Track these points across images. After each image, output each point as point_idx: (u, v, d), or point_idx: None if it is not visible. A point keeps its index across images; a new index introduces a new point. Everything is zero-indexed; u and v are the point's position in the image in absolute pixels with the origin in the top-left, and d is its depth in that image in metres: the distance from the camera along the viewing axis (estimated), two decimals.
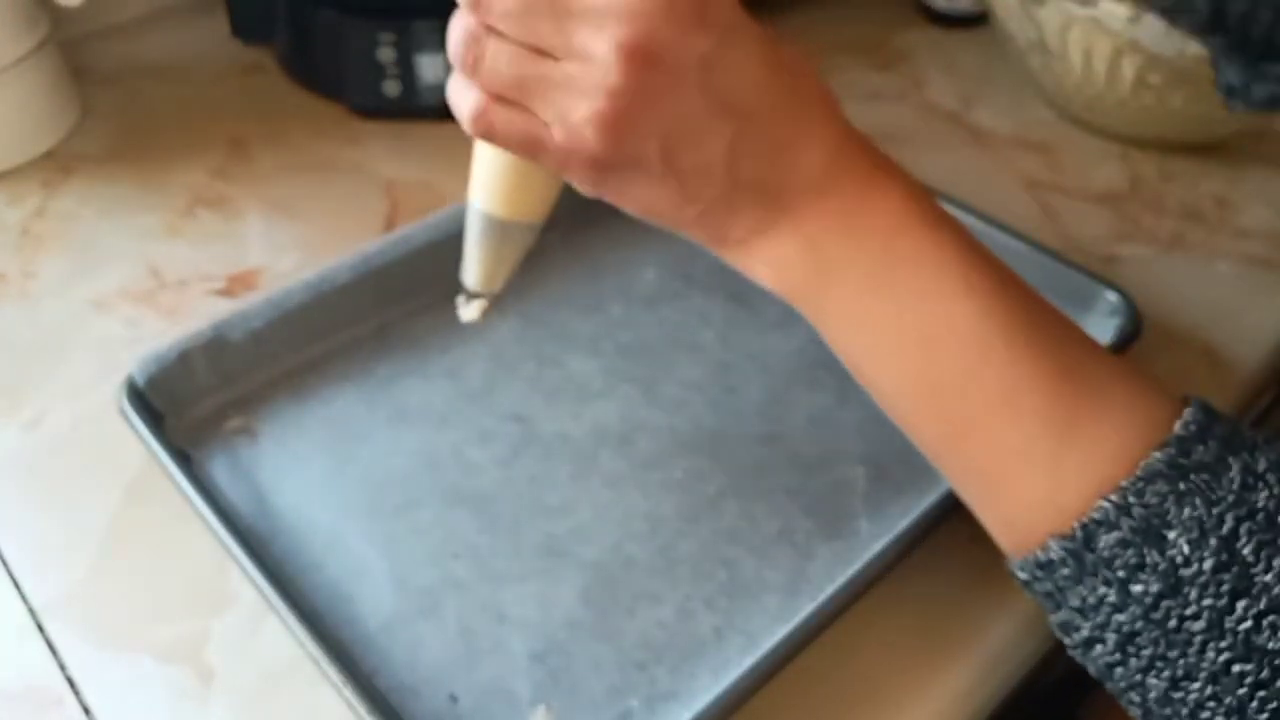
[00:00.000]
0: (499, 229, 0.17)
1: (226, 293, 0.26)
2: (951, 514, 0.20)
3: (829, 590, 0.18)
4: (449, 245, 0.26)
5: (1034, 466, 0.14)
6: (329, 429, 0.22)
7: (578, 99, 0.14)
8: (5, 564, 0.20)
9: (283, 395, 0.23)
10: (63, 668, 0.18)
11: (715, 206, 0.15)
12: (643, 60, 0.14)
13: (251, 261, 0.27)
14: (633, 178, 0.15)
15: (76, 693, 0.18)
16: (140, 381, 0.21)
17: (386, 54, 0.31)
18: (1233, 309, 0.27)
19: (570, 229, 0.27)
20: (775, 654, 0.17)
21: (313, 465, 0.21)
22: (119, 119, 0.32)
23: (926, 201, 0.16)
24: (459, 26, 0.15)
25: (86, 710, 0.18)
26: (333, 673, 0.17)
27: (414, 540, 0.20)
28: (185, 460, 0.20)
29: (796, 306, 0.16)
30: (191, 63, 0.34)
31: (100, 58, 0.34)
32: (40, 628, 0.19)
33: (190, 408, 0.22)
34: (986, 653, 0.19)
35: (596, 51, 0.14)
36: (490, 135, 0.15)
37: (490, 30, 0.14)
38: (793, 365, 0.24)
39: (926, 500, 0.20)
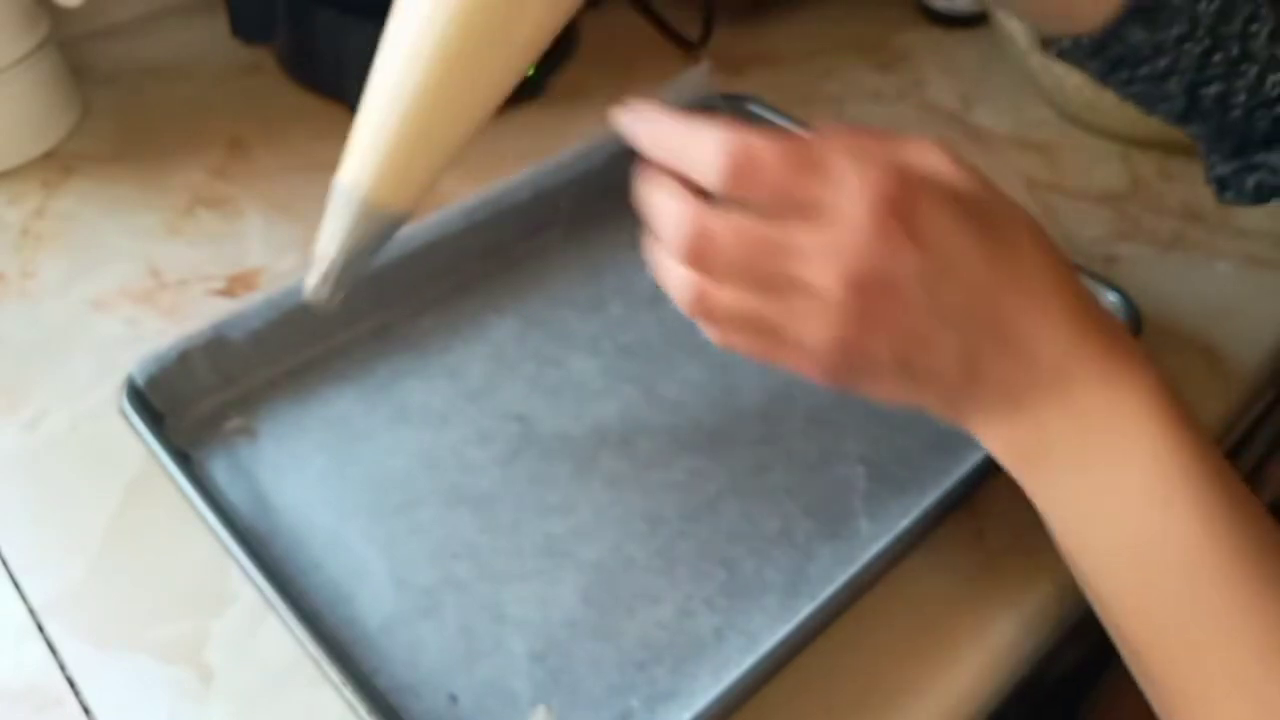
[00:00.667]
0: (360, 209, 0.17)
1: (226, 293, 0.26)
2: (951, 514, 0.20)
3: (829, 590, 0.18)
4: (449, 245, 0.26)
5: (1238, 690, 0.14)
6: (329, 429, 0.22)
7: (808, 327, 0.15)
8: (5, 564, 0.20)
9: (283, 395, 0.23)
10: (62, 667, 0.18)
11: (953, 397, 0.16)
12: (864, 289, 0.14)
13: (251, 261, 0.27)
14: (870, 380, 0.16)
15: (76, 692, 0.18)
16: (140, 381, 0.21)
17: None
18: (1233, 309, 0.27)
19: (570, 229, 0.27)
20: (775, 654, 0.17)
21: (313, 465, 0.21)
22: (119, 119, 0.32)
23: (1166, 402, 0.15)
24: (680, 280, 0.16)
25: (86, 710, 0.18)
26: (332, 672, 0.17)
27: (414, 540, 0.20)
28: (185, 460, 0.20)
29: (1022, 484, 0.16)
30: (192, 62, 0.34)
31: (100, 57, 0.34)
32: (40, 627, 0.19)
33: (190, 408, 0.22)
34: (987, 652, 0.19)
35: (821, 284, 0.15)
36: (728, 348, 0.17)
37: (711, 282, 0.16)
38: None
39: (926, 500, 0.20)
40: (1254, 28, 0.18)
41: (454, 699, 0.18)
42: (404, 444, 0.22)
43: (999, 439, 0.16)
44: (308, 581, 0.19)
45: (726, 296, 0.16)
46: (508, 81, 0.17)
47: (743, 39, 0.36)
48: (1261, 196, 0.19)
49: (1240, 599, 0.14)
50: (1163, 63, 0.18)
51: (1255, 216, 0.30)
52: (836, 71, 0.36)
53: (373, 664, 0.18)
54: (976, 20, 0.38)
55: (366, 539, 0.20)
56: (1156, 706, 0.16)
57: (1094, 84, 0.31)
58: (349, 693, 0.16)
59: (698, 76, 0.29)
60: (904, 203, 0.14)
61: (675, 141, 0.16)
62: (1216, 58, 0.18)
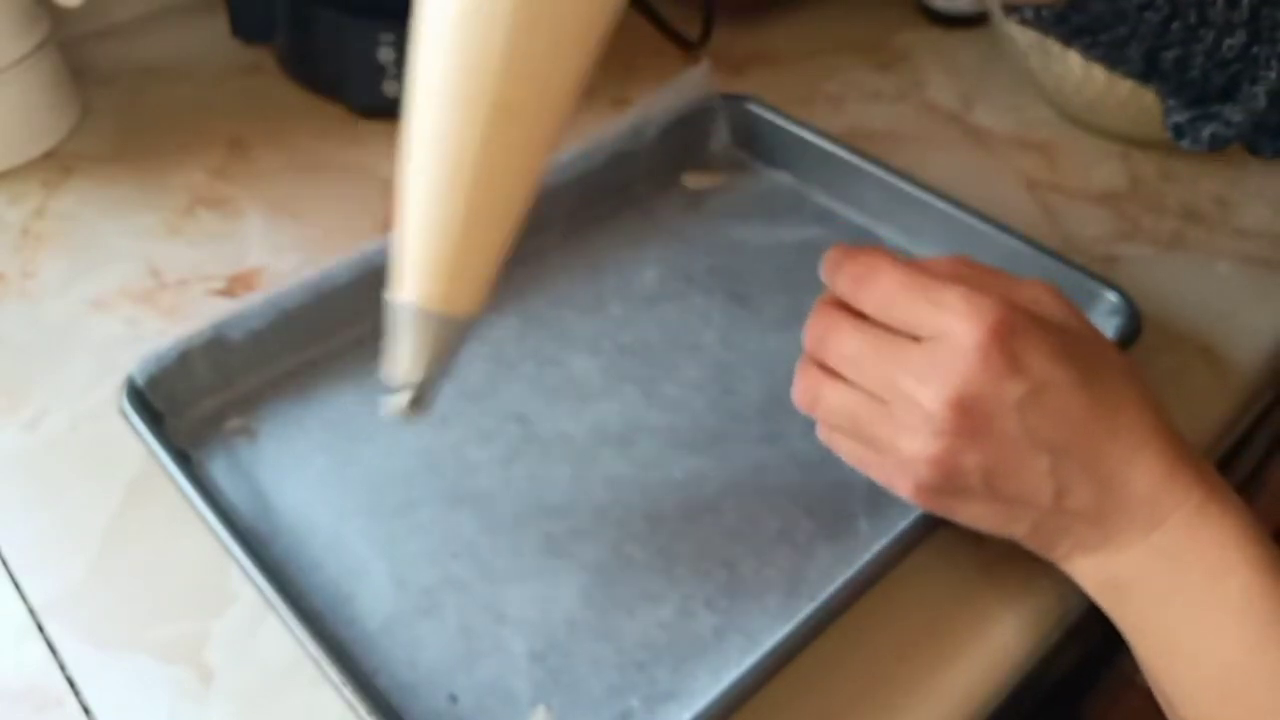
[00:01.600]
0: (437, 324, 0.16)
1: (227, 293, 0.26)
2: None
3: (829, 590, 0.18)
4: None
5: None
6: (329, 429, 0.22)
7: (907, 438, 0.16)
8: (5, 564, 0.20)
9: (283, 395, 0.23)
10: (62, 667, 0.18)
11: (1042, 527, 0.16)
12: (964, 409, 0.15)
13: (252, 261, 0.27)
14: (961, 500, 0.17)
15: (76, 692, 0.18)
16: (140, 381, 0.21)
17: (387, 54, 0.31)
18: (1233, 309, 0.27)
19: (570, 229, 0.27)
20: (775, 654, 0.17)
21: (313, 465, 0.21)
22: (119, 119, 0.32)
23: (1257, 540, 0.16)
24: (801, 368, 0.18)
25: (86, 710, 0.18)
26: (332, 672, 0.17)
27: (414, 540, 0.20)
28: (185, 460, 0.20)
29: (1106, 611, 0.17)
30: (192, 63, 0.34)
31: (100, 58, 0.34)
32: (40, 627, 0.19)
33: (190, 407, 0.22)
34: (987, 653, 0.19)
35: (923, 400, 0.16)
36: (833, 448, 0.18)
37: (825, 373, 0.17)
38: (793, 365, 0.24)
39: None
40: None
41: (454, 699, 0.18)
42: (404, 444, 0.22)
43: (1088, 571, 0.17)
44: (308, 581, 0.19)
45: (837, 391, 0.17)
46: (547, 147, 0.15)
47: (743, 39, 0.36)
48: (1216, 144, 0.20)
49: None
50: (1123, 30, 0.18)
51: (1255, 217, 0.30)
52: (836, 71, 0.36)
53: (373, 664, 0.18)
54: (977, 20, 0.38)
55: (366, 539, 0.20)
56: None
57: (1094, 85, 0.31)
58: (349, 693, 0.16)
59: (698, 76, 0.29)
60: (1009, 335, 0.15)
61: (832, 257, 0.18)
62: (1175, 25, 0.18)
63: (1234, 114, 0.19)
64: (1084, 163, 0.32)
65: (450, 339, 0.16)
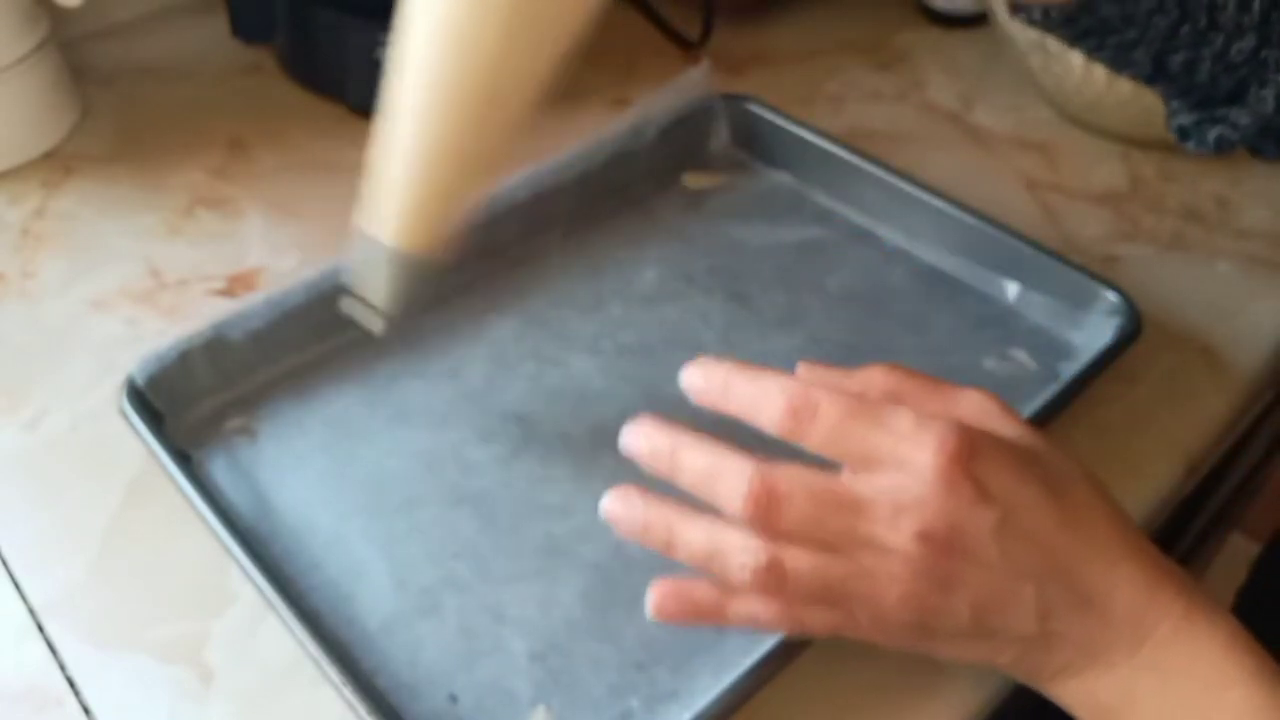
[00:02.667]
0: (404, 260, 0.17)
1: (227, 293, 0.26)
2: None
3: None
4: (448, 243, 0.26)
5: None
6: (329, 429, 0.22)
7: (884, 588, 0.15)
8: (5, 564, 0.20)
9: (283, 395, 0.23)
10: (62, 667, 0.18)
11: (1027, 655, 0.16)
12: (938, 545, 0.14)
13: (251, 261, 0.27)
14: (944, 640, 0.16)
15: (76, 692, 0.18)
16: (140, 381, 0.21)
17: (387, 54, 0.31)
18: (1233, 309, 0.27)
19: (570, 229, 0.27)
20: (775, 655, 0.17)
21: (313, 465, 0.21)
22: (119, 119, 0.32)
23: (1250, 647, 0.15)
24: (745, 546, 0.15)
25: (86, 710, 0.18)
26: (332, 672, 0.17)
27: (414, 540, 0.20)
28: (185, 460, 0.20)
29: None
30: (191, 63, 0.34)
31: (100, 58, 0.34)
32: (40, 627, 0.19)
33: (190, 407, 0.22)
34: None
35: (895, 544, 0.14)
36: (797, 631, 0.16)
37: (781, 545, 0.15)
38: (793, 365, 0.24)
39: None
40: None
41: (454, 699, 0.18)
42: (404, 444, 0.22)
43: (1078, 695, 0.16)
44: (308, 581, 0.19)
45: (796, 559, 0.15)
46: (527, 110, 0.16)
47: (743, 39, 0.36)
48: (1222, 147, 0.19)
49: None
50: (1132, 33, 0.18)
51: (1256, 217, 0.30)
52: (837, 71, 0.36)
53: (373, 664, 0.18)
54: (977, 20, 0.38)
55: (366, 539, 0.20)
56: None
57: (1094, 85, 0.31)
58: (349, 693, 0.16)
59: (698, 76, 0.29)
60: (970, 459, 0.14)
61: (739, 388, 0.16)
62: (1184, 29, 0.17)
63: (1241, 117, 0.19)
64: (1084, 163, 0.32)
65: (414, 273, 0.18)
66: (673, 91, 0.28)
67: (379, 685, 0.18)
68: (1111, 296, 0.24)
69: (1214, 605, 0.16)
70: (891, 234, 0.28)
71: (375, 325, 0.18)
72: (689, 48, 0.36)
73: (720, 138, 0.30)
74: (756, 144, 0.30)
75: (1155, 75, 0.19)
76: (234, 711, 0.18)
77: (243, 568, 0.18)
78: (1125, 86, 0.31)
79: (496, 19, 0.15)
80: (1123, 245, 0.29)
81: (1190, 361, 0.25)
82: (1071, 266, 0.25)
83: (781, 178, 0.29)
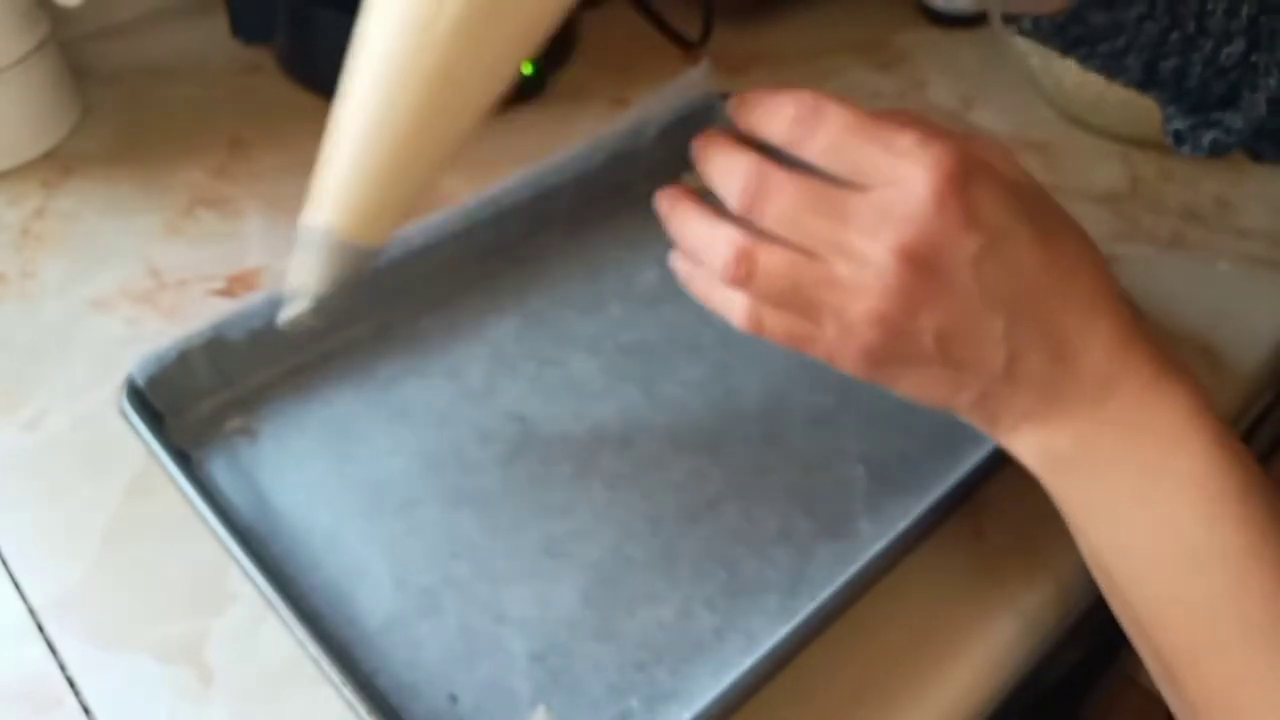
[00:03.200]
0: (340, 247, 0.17)
1: (227, 293, 0.26)
2: (952, 513, 0.20)
3: (829, 590, 0.18)
4: (449, 245, 0.26)
5: (1276, 707, 0.14)
6: (329, 429, 0.22)
7: (852, 298, 0.14)
8: (5, 563, 0.20)
9: (283, 395, 0.23)
10: (62, 667, 0.18)
11: (989, 395, 0.15)
12: (917, 262, 0.14)
13: (252, 261, 0.27)
14: (907, 368, 0.15)
15: (76, 692, 0.18)
16: (140, 381, 0.21)
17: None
18: (1233, 309, 0.27)
19: (570, 229, 0.27)
20: (775, 654, 0.17)
21: (313, 465, 0.21)
22: (119, 119, 0.32)
23: (1208, 413, 0.15)
24: (720, 237, 0.15)
25: (86, 710, 0.18)
26: (332, 672, 0.17)
27: (414, 540, 0.20)
28: (185, 460, 0.20)
29: (1050, 491, 0.16)
30: (191, 63, 0.34)
31: (100, 58, 0.34)
32: (40, 627, 0.19)
33: (190, 407, 0.22)
34: (987, 652, 0.19)
35: (871, 255, 0.14)
36: (759, 332, 0.15)
37: (758, 238, 0.15)
38: (793, 366, 0.24)
39: (926, 500, 0.20)
40: (1210, 5, 0.18)
41: (454, 699, 0.18)
42: (404, 444, 0.22)
43: (1033, 445, 0.15)
44: (308, 581, 0.19)
45: (771, 254, 0.14)
46: (478, 112, 0.16)
47: (743, 39, 0.36)
48: (1217, 151, 0.19)
49: None
50: (1122, 41, 0.18)
51: (1255, 217, 0.30)
52: (837, 72, 0.36)
53: (373, 664, 0.18)
54: (977, 21, 0.38)
55: (366, 539, 0.20)
56: (1182, 712, 0.16)
57: (1094, 85, 0.31)
58: (349, 692, 0.16)
59: (698, 76, 0.29)
60: (965, 183, 0.14)
61: (749, 103, 0.15)
62: (1174, 35, 0.17)
63: (1235, 121, 0.19)
64: (1084, 163, 0.32)
65: (349, 265, 0.17)
66: (673, 91, 0.28)
67: (379, 685, 0.18)
68: None
69: (1184, 374, 0.15)
70: None
71: (295, 318, 0.18)
72: (689, 48, 0.36)
73: None
74: (757, 144, 0.30)
75: (1147, 81, 0.19)
76: (234, 711, 0.18)
77: (243, 568, 0.18)
78: (1123, 87, 0.31)
79: (453, 5, 0.14)
80: (1122, 245, 0.29)
81: (1190, 361, 0.25)
82: None
83: None
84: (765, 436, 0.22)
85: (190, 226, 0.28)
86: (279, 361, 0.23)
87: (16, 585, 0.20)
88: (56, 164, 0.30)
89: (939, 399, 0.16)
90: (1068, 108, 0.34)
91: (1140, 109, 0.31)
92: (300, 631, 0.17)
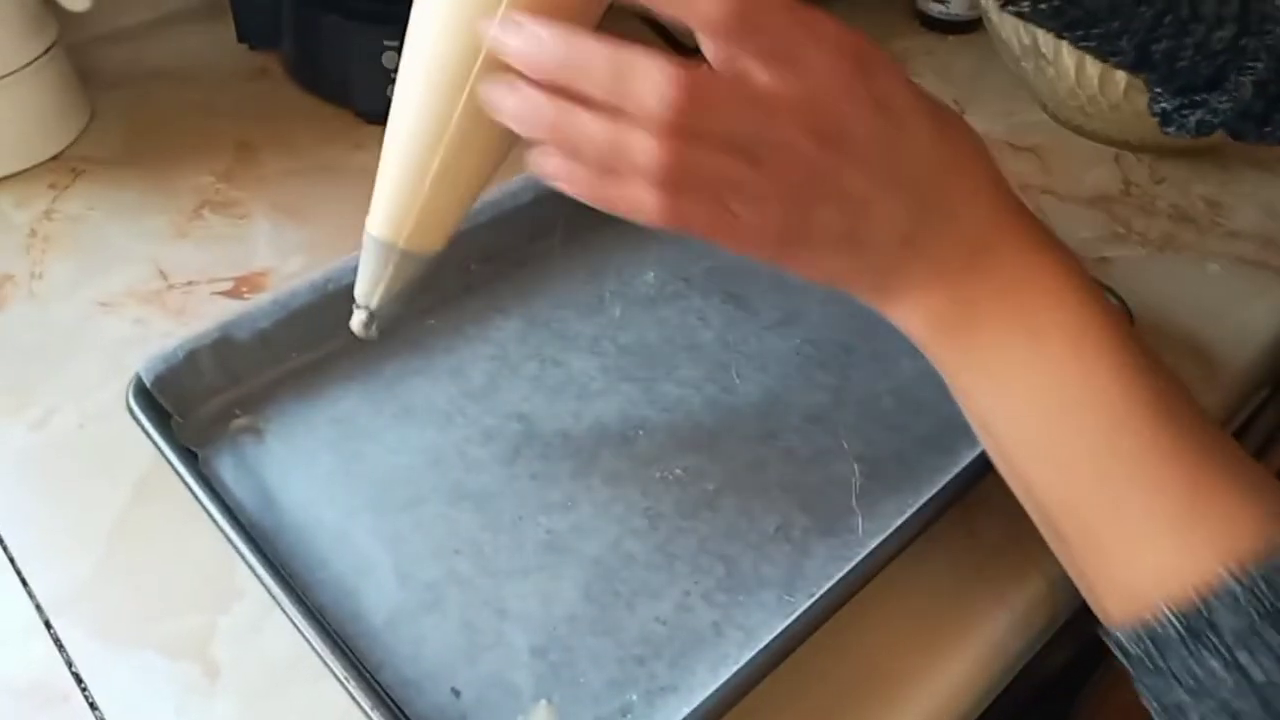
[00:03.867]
0: (404, 259, 0.18)
1: (233, 294, 0.26)
2: (946, 511, 0.21)
3: (825, 586, 0.19)
4: (451, 246, 0.26)
5: (1160, 535, 0.14)
6: (334, 428, 0.22)
7: (767, 185, 0.15)
8: (13, 561, 0.20)
9: (289, 394, 0.23)
10: (69, 664, 0.19)
11: (882, 268, 0.16)
12: (826, 144, 0.15)
13: (258, 263, 0.27)
14: (812, 249, 0.16)
15: (83, 688, 0.18)
16: (148, 381, 0.21)
17: (391, 59, 0.31)
18: (1224, 310, 0.27)
19: (571, 232, 0.27)
20: (773, 649, 0.18)
21: (318, 463, 0.22)
22: (127, 122, 0.32)
23: (1080, 275, 0.16)
24: (649, 141, 0.15)
25: (93, 706, 0.18)
26: (337, 668, 0.17)
27: (418, 536, 0.20)
28: (192, 458, 0.21)
29: (934, 359, 0.17)
30: (198, 67, 0.35)
31: (108, 62, 0.35)
32: (47, 624, 0.19)
33: (197, 407, 0.22)
34: (983, 647, 0.20)
35: (785, 139, 0.15)
36: (677, 225, 0.15)
37: (685, 137, 0.14)
38: (790, 365, 0.24)
39: (921, 497, 0.20)
40: None
41: (456, 693, 0.18)
42: (408, 442, 0.22)
43: (919, 313, 0.16)
44: (313, 578, 0.19)
45: (697, 153, 0.14)
46: (512, 143, 0.17)
47: None
48: (1202, 131, 0.20)
49: (1160, 449, 0.15)
50: (1116, 24, 0.18)
51: (1246, 218, 0.31)
52: None
53: (377, 659, 0.18)
54: (971, 26, 0.39)
55: (371, 535, 0.20)
56: (1069, 565, 0.16)
57: (1086, 90, 0.32)
58: (353, 688, 0.17)
59: None
60: (870, 69, 0.15)
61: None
62: (1168, 20, 0.18)
63: (1221, 102, 0.19)
64: (1076, 166, 0.32)
65: (411, 273, 0.18)
66: None
67: (383, 680, 0.18)
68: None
69: (1056, 240, 0.16)
70: None
71: (367, 328, 0.19)
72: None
73: None
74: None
75: (1139, 63, 0.19)
76: (240, 706, 0.18)
77: (249, 564, 0.18)
78: (1116, 91, 0.31)
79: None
80: (1114, 247, 0.29)
81: (1181, 362, 0.26)
82: None
83: None
84: (762, 435, 0.23)
85: (197, 228, 0.29)
86: (285, 361, 0.23)
87: (24, 582, 0.20)
88: (65, 167, 0.30)
89: (837, 276, 0.16)
90: (1060, 112, 0.34)
91: (1132, 113, 0.32)
92: (306, 627, 0.17)
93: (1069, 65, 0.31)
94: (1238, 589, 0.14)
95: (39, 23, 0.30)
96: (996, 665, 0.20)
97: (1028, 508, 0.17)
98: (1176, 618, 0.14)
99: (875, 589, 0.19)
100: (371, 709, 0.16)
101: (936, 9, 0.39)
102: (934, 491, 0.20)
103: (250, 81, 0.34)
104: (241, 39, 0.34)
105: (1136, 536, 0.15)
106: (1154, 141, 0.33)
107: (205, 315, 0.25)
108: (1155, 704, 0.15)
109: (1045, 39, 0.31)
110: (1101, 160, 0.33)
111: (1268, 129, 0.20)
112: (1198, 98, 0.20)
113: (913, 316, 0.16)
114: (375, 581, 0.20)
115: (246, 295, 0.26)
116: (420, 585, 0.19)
